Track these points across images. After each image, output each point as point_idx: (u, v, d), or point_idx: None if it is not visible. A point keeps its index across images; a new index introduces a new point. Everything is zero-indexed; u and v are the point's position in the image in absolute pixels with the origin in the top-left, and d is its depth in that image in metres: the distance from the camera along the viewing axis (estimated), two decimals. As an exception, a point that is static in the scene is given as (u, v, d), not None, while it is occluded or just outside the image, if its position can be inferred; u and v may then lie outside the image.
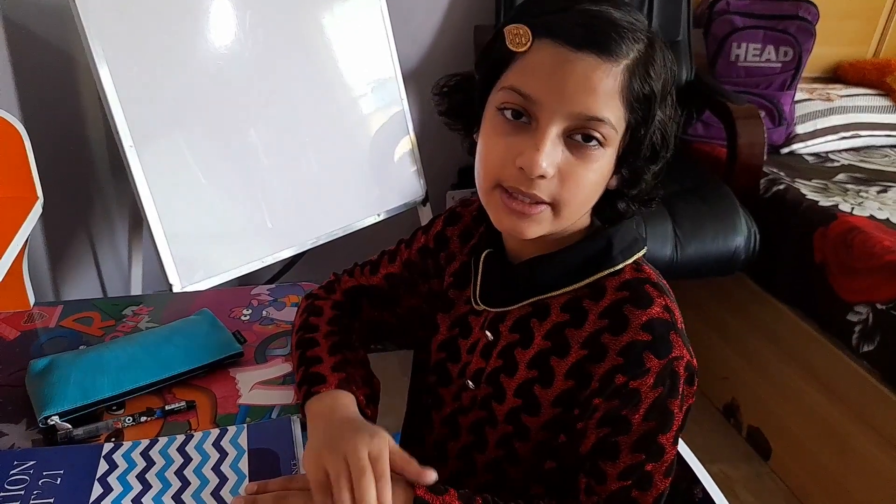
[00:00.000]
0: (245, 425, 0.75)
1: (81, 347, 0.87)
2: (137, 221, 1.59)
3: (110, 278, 1.82)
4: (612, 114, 0.58)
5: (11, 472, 0.66)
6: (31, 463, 0.68)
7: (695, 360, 0.63)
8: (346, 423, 0.65)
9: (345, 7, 1.60)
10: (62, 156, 1.61)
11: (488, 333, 0.70)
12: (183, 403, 0.78)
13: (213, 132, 1.38)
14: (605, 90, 0.56)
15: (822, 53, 2.20)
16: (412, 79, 1.91)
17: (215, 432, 0.73)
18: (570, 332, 0.65)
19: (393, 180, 1.70)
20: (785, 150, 2.01)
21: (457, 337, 0.74)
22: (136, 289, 1.64)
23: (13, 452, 0.69)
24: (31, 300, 0.95)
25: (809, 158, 1.99)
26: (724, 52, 2.03)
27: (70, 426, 0.73)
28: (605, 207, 0.66)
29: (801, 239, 1.66)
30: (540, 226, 0.61)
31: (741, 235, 1.64)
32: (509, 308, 0.68)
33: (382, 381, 0.78)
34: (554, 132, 0.57)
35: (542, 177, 0.58)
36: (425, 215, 1.77)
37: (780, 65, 2.01)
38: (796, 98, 2.05)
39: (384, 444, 0.60)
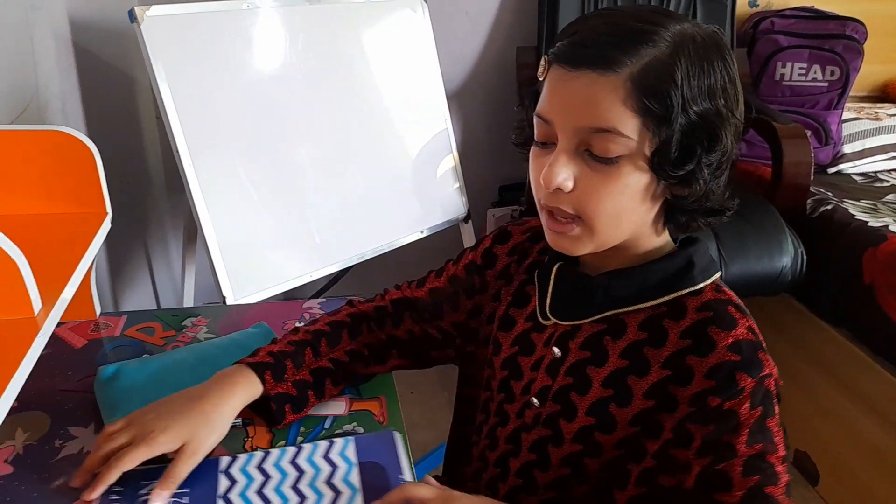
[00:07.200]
0: (352, 438, 0.75)
1: (145, 356, 0.90)
2: (191, 236, 1.65)
3: (163, 290, 1.89)
4: (621, 123, 0.58)
5: (141, 493, 0.67)
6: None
7: (780, 380, 0.63)
8: (187, 398, 0.71)
9: (392, 29, 1.65)
10: (122, 172, 1.68)
11: (556, 350, 0.69)
12: (241, 413, 0.81)
13: (265, 150, 1.43)
14: (606, 102, 0.58)
15: (871, 72, 2.16)
16: (455, 98, 1.94)
17: (323, 444, 0.74)
18: (650, 351, 0.64)
19: (436, 198, 1.73)
20: (832, 170, 1.98)
21: (517, 354, 0.73)
22: (189, 301, 1.70)
23: (138, 472, 0.68)
24: (98, 310, 1.00)
25: (858, 178, 1.96)
26: (768, 72, 2.02)
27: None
28: (671, 221, 0.66)
29: (849, 260, 1.63)
30: (579, 242, 0.63)
31: (787, 255, 1.61)
32: (581, 322, 0.68)
33: (420, 395, 0.78)
34: (566, 147, 0.60)
35: (561, 189, 0.61)
36: (467, 232, 1.79)
37: (826, 84, 1.98)
38: (843, 117, 2.02)
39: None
